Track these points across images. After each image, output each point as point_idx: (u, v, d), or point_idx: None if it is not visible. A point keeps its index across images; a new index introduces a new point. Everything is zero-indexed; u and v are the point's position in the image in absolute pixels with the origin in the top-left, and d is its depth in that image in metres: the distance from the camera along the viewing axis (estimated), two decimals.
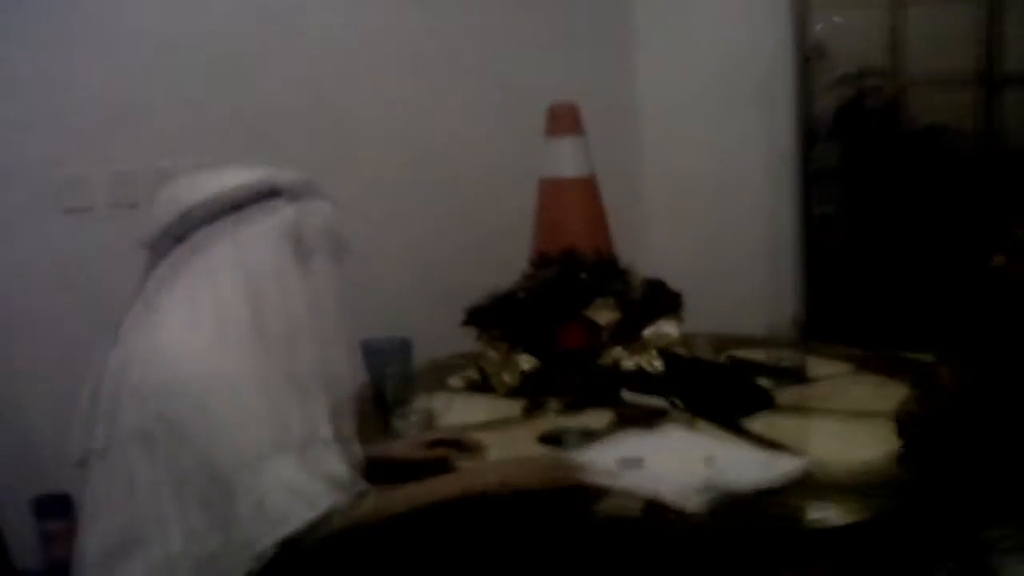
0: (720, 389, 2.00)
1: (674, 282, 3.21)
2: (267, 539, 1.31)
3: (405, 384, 2.00)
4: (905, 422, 1.76)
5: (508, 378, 2.12)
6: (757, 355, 2.22)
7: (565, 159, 2.38)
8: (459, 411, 2.06)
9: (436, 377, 2.28)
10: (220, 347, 1.39)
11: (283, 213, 1.50)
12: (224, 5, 2.63)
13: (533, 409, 2.04)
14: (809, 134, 3.25)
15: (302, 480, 1.36)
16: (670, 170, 3.33)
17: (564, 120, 2.38)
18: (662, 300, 2.15)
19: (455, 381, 2.26)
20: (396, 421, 1.92)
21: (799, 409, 1.96)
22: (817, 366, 2.20)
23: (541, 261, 2.27)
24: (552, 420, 1.96)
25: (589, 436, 1.84)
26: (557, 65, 3.06)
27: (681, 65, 3.28)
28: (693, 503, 1.50)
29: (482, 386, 2.18)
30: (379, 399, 2.03)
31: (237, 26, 2.64)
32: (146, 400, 1.37)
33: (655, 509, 1.51)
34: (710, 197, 3.29)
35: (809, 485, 1.59)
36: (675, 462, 1.66)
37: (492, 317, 2.17)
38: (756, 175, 3.25)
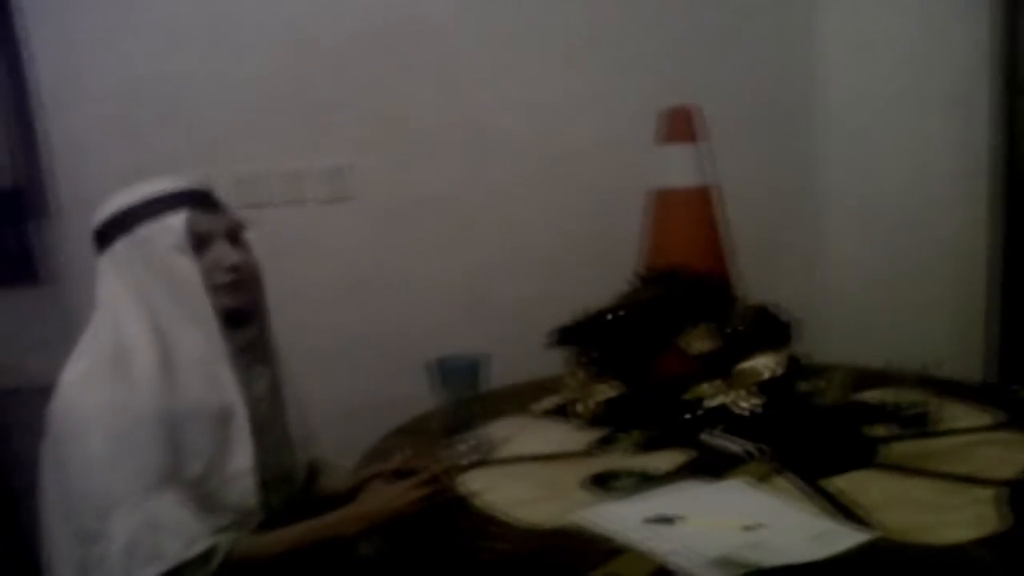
0: (812, 439, 1.73)
1: (851, 306, 2.96)
2: None
3: (467, 408, 1.87)
4: (1018, 496, 1.46)
5: (587, 406, 1.95)
6: (887, 397, 1.92)
7: (678, 168, 2.15)
8: (525, 440, 1.92)
9: (527, 399, 2.14)
10: (113, 380, 1.35)
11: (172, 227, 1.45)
12: (357, 5, 2.57)
13: (604, 443, 1.85)
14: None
15: (181, 518, 1.29)
16: (850, 179, 2.98)
17: (679, 125, 2.15)
18: (767, 331, 1.90)
19: (546, 404, 2.10)
20: (445, 448, 1.80)
21: (906, 468, 1.67)
22: (957, 415, 1.89)
23: (644, 279, 2.07)
24: (617, 459, 1.77)
25: (645, 482, 1.65)
26: (717, 65, 2.81)
27: (865, 64, 2.92)
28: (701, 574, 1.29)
29: (566, 412, 2.02)
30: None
31: (370, 27, 2.58)
32: (48, 432, 1.35)
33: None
34: (895, 211, 2.92)
35: (863, 565, 1.32)
36: (713, 524, 1.44)
37: (580, 337, 2.00)
38: (949, 186, 2.85)
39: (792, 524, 1.45)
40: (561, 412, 2.04)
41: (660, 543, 1.38)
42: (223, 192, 2.46)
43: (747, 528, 1.43)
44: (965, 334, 2.85)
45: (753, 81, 2.87)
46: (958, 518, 1.45)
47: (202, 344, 1.44)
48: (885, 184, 2.93)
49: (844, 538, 1.38)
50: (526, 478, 1.71)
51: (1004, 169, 2.76)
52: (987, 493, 1.51)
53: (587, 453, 1.82)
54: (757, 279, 2.64)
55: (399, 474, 1.62)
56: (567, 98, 2.71)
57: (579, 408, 1.97)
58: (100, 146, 2.47)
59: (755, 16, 2.90)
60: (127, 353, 1.38)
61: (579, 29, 2.72)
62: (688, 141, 2.13)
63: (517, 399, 2.14)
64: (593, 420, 1.94)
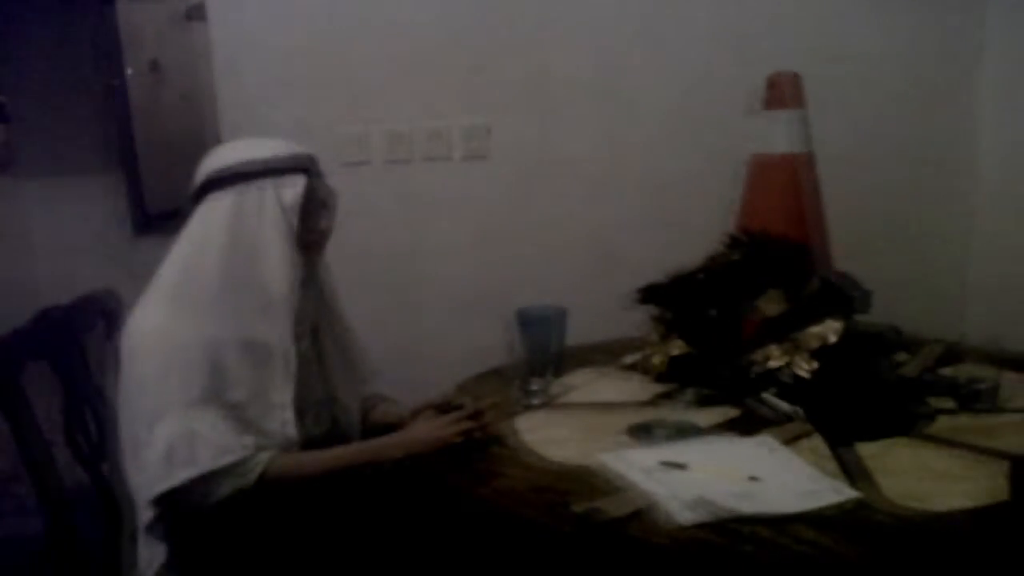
0: (854, 406, 1.78)
1: (993, 286, 2.85)
2: (164, 484, 1.46)
3: (542, 355, 2.01)
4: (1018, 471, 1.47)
5: (657, 362, 2.05)
6: (963, 372, 1.92)
7: (773, 134, 2.19)
8: (593, 389, 2.05)
9: (618, 353, 2.25)
10: (171, 310, 1.56)
11: (301, 188, 1.62)
12: None
13: (664, 397, 1.96)
14: None
15: (217, 432, 1.49)
16: (1003, 157, 2.87)
17: (782, 91, 2.19)
18: (837, 298, 1.93)
19: (630, 358, 2.21)
20: (515, 392, 1.95)
21: (941, 440, 1.68)
22: None
23: (731, 243, 2.13)
24: (668, 412, 1.87)
25: (680, 433, 1.75)
26: (865, 32, 2.76)
27: None
28: (683, 517, 1.40)
29: (642, 367, 2.13)
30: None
31: None
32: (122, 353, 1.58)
33: (642, 515, 1.42)
34: None
35: (842, 521, 1.39)
36: (716, 474, 1.53)
37: (658, 297, 2.10)
38: None
39: (790, 480, 1.51)
40: (639, 367, 2.13)
41: (656, 485, 1.48)
42: (376, 148, 2.72)
43: (748, 480, 1.51)
44: None
45: (907, 54, 2.80)
46: (961, 489, 1.47)
47: (275, 290, 1.63)
48: None
49: (829, 496, 1.44)
50: (573, 422, 1.84)
51: None
52: (1003, 468, 1.52)
53: (642, 405, 1.92)
54: (895, 254, 2.64)
55: (446, 409, 1.78)
56: (704, 63, 2.75)
57: (651, 363, 2.07)
58: (265, 104, 2.75)
59: None
60: (193, 285, 1.59)
61: None
62: (784, 107, 2.16)
63: (609, 352, 2.26)
64: (661, 376, 2.03)
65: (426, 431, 1.68)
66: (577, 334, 2.19)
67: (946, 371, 1.98)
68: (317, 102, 2.75)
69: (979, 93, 2.89)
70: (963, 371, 1.90)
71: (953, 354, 2.06)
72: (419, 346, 2.71)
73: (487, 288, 2.80)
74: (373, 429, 1.84)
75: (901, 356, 2.05)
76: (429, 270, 2.80)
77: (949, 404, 1.85)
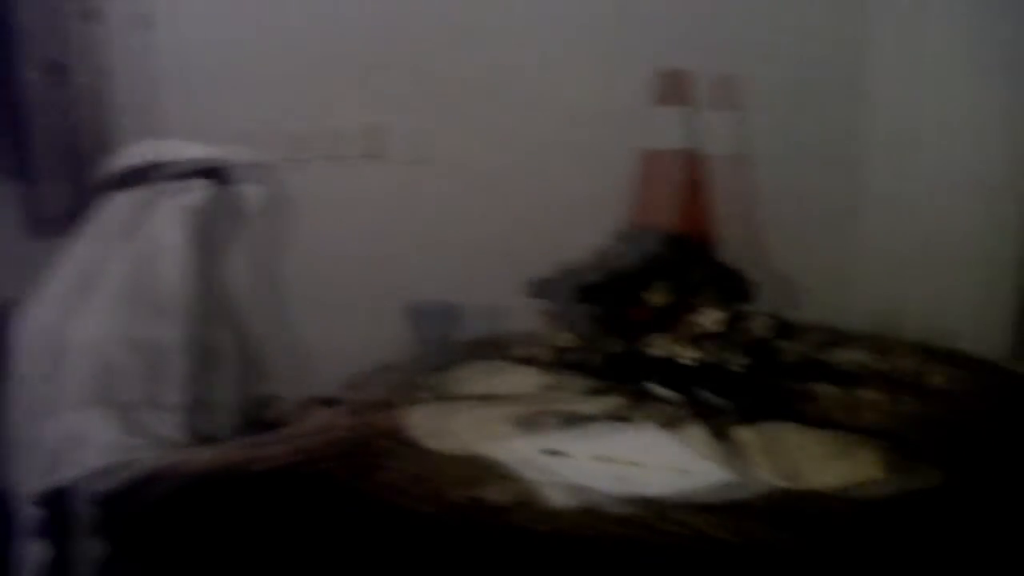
0: (738, 391, 1.81)
1: (883, 276, 2.92)
2: (50, 483, 1.44)
3: (435, 349, 2.01)
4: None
5: (549, 354, 2.07)
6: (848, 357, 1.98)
7: (667, 130, 2.22)
8: (485, 381, 2.05)
9: (513, 346, 2.26)
10: (64, 309, 1.53)
11: (205, 193, 1.61)
12: None
13: (554, 388, 1.97)
14: None
15: (102, 433, 1.47)
16: (890, 147, 2.94)
17: (672, 87, 2.22)
18: (720, 287, 1.97)
19: (523, 351, 2.22)
20: (405, 385, 1.95)
21: (822, 423, 1.73)
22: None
23: (621, 237, 2.16)
24: (555, 401, 1.88)
25: (567, 423, 1.76)
26: (756, 30, 2.80)
27: (914, 33, 2.87)
28: (560, 502, 1.41)
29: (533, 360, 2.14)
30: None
31: None
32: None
33: (522, 502, 1.44)
34: (936, 186, 2.86)
35: (717, 503, 1.42)
36: (596, 460, 1.55)
37: (551, 291, 2.12)
38: (999, 165, 2.77)
39: (668, 464, 1.54)
40: (533, 359, 2.15)
41: (536, 472, 1.50)
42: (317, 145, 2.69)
43: (627, 465, 1.53)
44: (996, 308, 2.79)
45: (796, 46, 2.85)
46: (836, 469, 1.53)
47: (171, 292, 1.61)
48: (928, 159, 2.88)
49: (705, 478, 1.47)
50: (462, 414, 1.84)
51: None
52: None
53: (531, 396, 1.94)
54: (789, 244, 2.69)
55: (332, 405, 1.76)
56: (598, 58, 2.76)
57: (543, 356, 2.08)
58: (161, 104, 2.70)
59: None
60: (88, 284, 1.57)
61: None
62: (676, 104, 2.19)
63: (500, 345, 2.26)
64: (550, 367, 2.05)
65: (311, 427, 1.67)
66: (469, 328, 2.19)
67: (827, 355, 2.03)
68: (257, 98, 2.71)
69: (866, 88, 2.95)
70: (843, 356, 1.94)
71: (835, 339, 2.10)
72: (311, 343, 2.67)
73: (381, 284, 2.77)
74: (261, 426, 1.82)
75: (783, 342, 2.09)
76: (322, 267, 2.77)
77: (829, 388, 1.89)
